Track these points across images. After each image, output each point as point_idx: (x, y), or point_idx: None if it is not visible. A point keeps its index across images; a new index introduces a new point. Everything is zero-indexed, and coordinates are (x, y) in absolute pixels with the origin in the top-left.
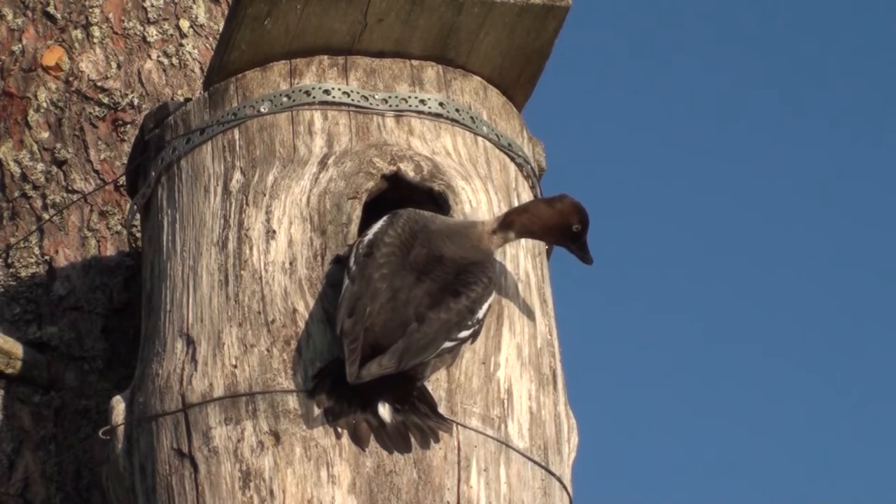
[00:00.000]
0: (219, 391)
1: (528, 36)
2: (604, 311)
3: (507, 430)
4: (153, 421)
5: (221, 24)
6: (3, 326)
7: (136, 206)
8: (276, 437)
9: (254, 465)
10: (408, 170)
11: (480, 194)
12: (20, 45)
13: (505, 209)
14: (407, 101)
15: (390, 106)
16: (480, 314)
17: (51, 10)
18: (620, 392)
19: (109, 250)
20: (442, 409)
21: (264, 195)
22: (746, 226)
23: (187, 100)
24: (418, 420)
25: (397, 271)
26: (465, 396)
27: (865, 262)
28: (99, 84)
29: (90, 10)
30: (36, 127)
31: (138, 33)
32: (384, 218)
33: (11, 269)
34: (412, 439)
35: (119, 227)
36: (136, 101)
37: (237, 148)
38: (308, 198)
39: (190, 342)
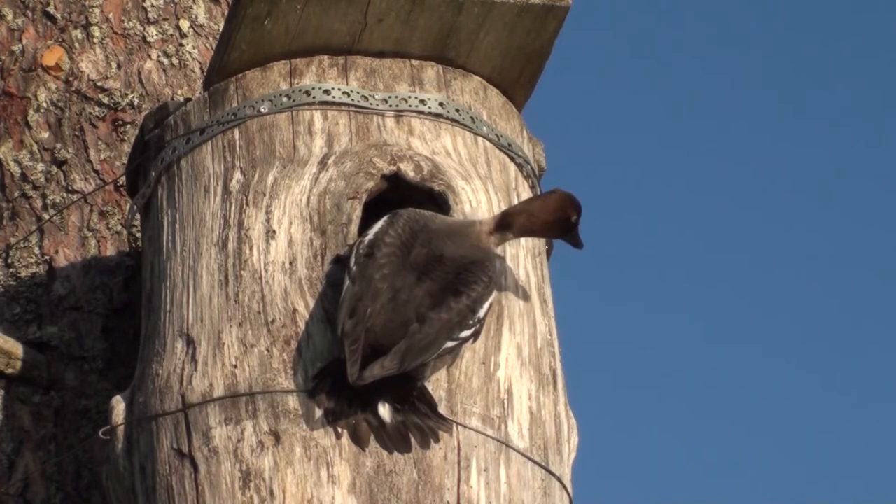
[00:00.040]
0: (219, 391)
1: (528, 36)
2: (604, 311)
3: (507, 430)
4: (153, 421)
5: (221, 24)
6: (3, 326)
7: (136, 206)
8: (276, 437)
9: (254, 465)
10: (408, 170)
11: (480, 194)
12: (20, 45)
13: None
14: (407, 101)
15: (390, 106)
16: (481, 313)
17: (51, 10)
18: (620, 392)
19: (109, 250)
20: (442, 409)
21: (264, 195)
22: (746, 226)
23: (187, 100)
24: (418, 420)
25: (398, 271)
26: (465, 396)
27: (865, 262)
28: (99, 84)
29: (90, 10)
30: (36, 127)
31: (138, 33)
32: (384, 218)
33: (11, 269)
34: (412, 439)
35: (119, 227)
36: (136, 101)
37: (237, 148)
38: (308, 198)
39: (190, 342)
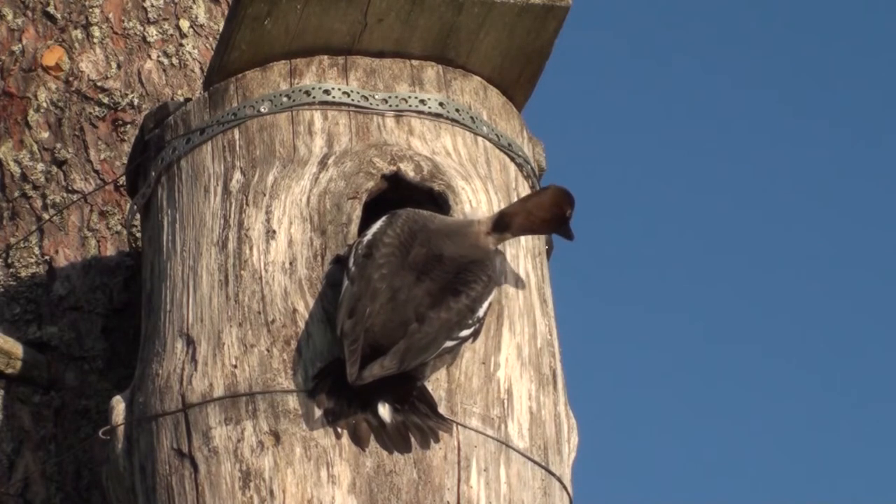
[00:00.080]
0: (219, 391)
1: (528, 36)
2: (604, 311)
3: (507, 430)
4: (153, 421)
5: (221, 24)
6: (3, 326)
7: (136, 206)
8: (276, 437)
9: (254, 465)
10: (408, 170)
11: (480, 194)
12: (20, 45)
13: None
14: (407, 101)
15: (390, 106)
16: (481, 313)
17: (51, 10)
18: (620, 392)
19: (109, 250)
20: (442, 409)
21: (264, 195)
22: (746, 226)
23: (187, 100)
24: (418, 420)
25: (397, 271)
26: (465, 396)
27: (865, 262)
28: (99, 84)
29: (90, 10)
30: (36, 127)
31: (138, 33)
32: (383, 218)
33: (11, 269)
34: (412, 439)
35: (119, 227)
36: (136, 101)
37: (237, 148)
38: (308, 198)
39: (190, 342)
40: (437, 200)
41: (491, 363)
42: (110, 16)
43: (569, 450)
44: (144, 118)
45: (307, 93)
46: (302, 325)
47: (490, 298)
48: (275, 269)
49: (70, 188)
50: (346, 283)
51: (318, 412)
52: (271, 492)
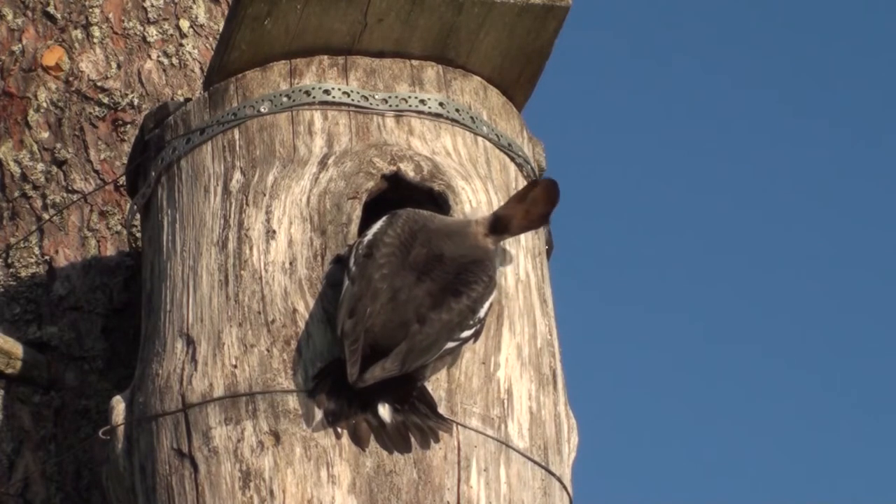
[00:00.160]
0: (219, 391)
1: (528, 36)
2: (604, 311)
3: (507, 430)
4: (153, 421)
5: (221, 24)
6: (3, 326)
7: (136, 206)
8: (276, 437)
9: (254, 465)
10: (408, 170)
11: (480, 194)
12: (20, 45)
13: None
14: (407, 101)
15: (390, 106)
16: (482, 313)
17: (51, 10)
18: (620, 392)
19: (109, 250)
20: (442, 409)
21: (264, 195)
22: (746, 226)
23: (187, 100)
24: (418, 420)
25: (397, 271)
26: (465, 396)
27: (865, 262)
28: (99, 84)
29: (90, 10)
30: (36, 127)
31: (138, 33)
32: (383, 218)
33: (11, 269)
34: (412, 439)
35: (119, 227)
36: (136, 101)
37: (237, 148)
38: (308, 198)
39: (190, 342)
40: (437, 200)
41: (491, 363)
42: (110, 16)
43: (569, 450)
44: (144, 118)
45: (307, 93)
46: (302, 325)
47: (491, 299)
48: (275, 269)
49: (70, 188)
50: (346, 283)
51: (318, 412)
52: (271, 492)
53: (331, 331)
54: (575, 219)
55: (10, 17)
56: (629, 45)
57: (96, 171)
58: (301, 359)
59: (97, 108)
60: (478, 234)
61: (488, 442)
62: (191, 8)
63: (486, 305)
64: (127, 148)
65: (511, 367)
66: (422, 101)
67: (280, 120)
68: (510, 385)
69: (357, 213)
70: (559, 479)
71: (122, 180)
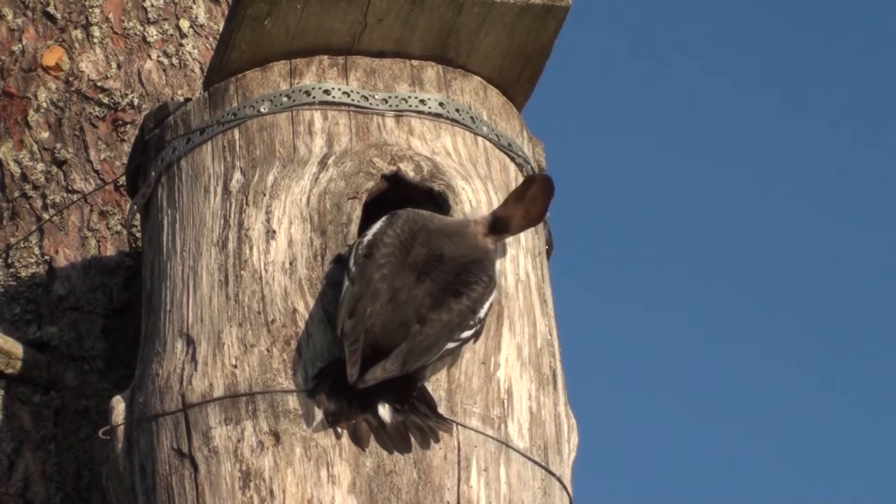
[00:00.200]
0: (219, 391)
1: (528, 36)
2: (604, 311)
3: (507, 430)
4: (153, 421)
5: (221, 24)
6: (3, 326)
7: (136, 206)
8: (276, 437)
9: (254, 465)
10: (408, 170)
11: (480, 194)
12: (20, 45)
13: None
14: (407, 101)
15: (390, 106)
16: (482, 313)
17: (51, 10)
18: (620, 392)
19: (109, 250)
20: (442, 409)
21: (264, 195)
22: (746, 226)
23: (187, 100)
24: (418, 420)
25: (397, 271)
26: (465, 396)
27: (865, 262)
28: (99, 84)
29: (90, 10)
30: (36, 127)
31: (138, 33)
32: (383, 218)
33: (11, 269)
34: (412, 439)
35: (119, 227)
36: (136, 101)
37: (237, 148)
38: (308, 198)
39: (190, 342)
40: (437, 200)
41: (491, 363)
42: (110, 16)
43: (569, 450)
44: (144, 118)
45: (307, 93)
46: (302, 325)
47: (491, 299)
48: (275, 269)
49: (70, 188)
50: (346, 283)
51: (318, 412)
52: (271, 492)
53: (331, 331)
54: (575, 219)
55: (10, 17)
56: (629, 45)
57: (96, 171)
58: (301, 359)
59: (97, 108)
60: (477, 234)
61: (488, 442)
62: (191, 8)
63: (486, 305)
64: (127, 148)
65: (511, 367)
66: (422, 101)
67: (280, 120)
68: (510, 385)
69: (357, 213)
70: (559, 479)
71: (122, 180)
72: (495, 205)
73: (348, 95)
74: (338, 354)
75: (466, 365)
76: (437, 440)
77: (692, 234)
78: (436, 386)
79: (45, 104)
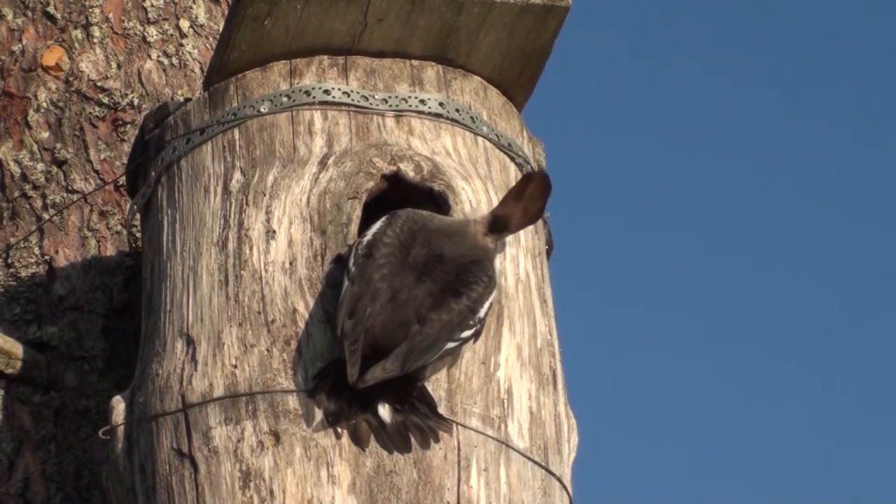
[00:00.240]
0: (219, 391)
1: (528, 36)
2: (604, 311)
3: (507, 430)
4: (153, 421)
5: (221, 24)
6: (3, 326)
7: (136, 206)
8: (276, 437)
9: (254, 465)
10: (408, 170)
11: (480, 194)
12: (20, 45)
13: None
14: (407, 101)
15: (390, 106)
16: (482, 313)
17: (51, 10)
18: (620, 392)
19: (109, 250)
20: (442, 409)
21: (264, 195)
22: (746, 226)
23: (187, 100)
24: (418, 420)
25: (397, 271)
26: (465, 396)
27: (865, 262)
28: (99, 84)
29: (90, 10)
30: (36, 127)
31: (138, 33)
32: (383, 218)
33: (11, 269)
34: (412, 439)
35: (119, 227)
36: (136, 101)
37: (237, 148)
38: (308, 198)
39: (190, 342)
40: (437, 200)
41: (491, 363)
42: (110, 16)
43: (569, 450)
44: (144, 118)
45: (307, 93)
46: (302, 325)
47: (491, 299)
48: (275, 269)
49: (70, 188)
50: (346, 283)
51: (318, 412)
52: (271, 492)
53: (331, 331)
54: (575, 219)
55: (10, 17)
56: (629, 45)
57: (96, 171)
58: (301, 359)
59: (97, 108)
60: (477, 234)
61: (488, 442)
62: (191, 8)
63: (486, 305)
64: (127, 148)
65: (511, 367)
66: (422, 101)
67: (280, 120)
68: (510, 385)
69: (357, 213)
70: (559, 479)
71: (122, 180)
72: (495, 205)
73: (348, 95)
74: (338, 354)
75: (466, 365)
76: (437, 440)
77: (692, 234)
78: (436, 386)
79: (45, 104)
